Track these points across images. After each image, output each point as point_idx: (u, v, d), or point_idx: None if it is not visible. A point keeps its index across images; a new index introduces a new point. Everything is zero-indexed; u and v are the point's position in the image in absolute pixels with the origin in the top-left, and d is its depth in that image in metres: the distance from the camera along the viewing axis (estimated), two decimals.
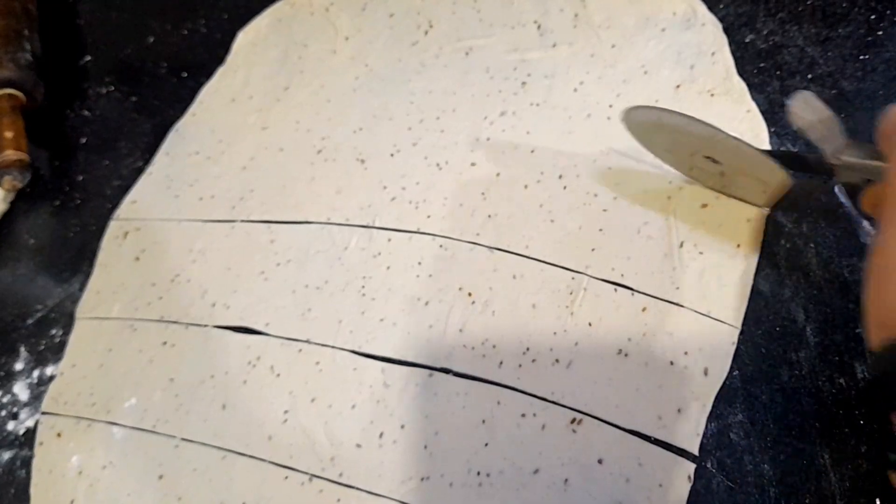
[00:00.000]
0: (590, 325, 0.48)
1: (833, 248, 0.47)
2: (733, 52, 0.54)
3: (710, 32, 0.55)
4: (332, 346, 0.51)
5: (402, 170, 0.56)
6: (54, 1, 0.72)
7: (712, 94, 0.53)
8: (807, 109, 0.41)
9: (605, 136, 0.53)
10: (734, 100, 0.52)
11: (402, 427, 0.48)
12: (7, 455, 0.52)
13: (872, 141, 0.39)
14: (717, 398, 0.45)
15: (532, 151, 0.54)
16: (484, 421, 0.47)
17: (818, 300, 0.46)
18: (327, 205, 0.56)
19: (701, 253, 0.48)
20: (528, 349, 0.48)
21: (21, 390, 0.55)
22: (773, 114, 0.51)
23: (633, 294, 0.48)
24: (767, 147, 0.50)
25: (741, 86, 0.53)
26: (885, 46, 0.52)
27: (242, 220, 0.57)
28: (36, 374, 0.55)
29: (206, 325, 0.54)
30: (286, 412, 0.49)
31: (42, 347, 0.56)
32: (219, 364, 0.52)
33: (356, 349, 0.50)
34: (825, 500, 0.41)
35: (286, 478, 0.48)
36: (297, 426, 0.49)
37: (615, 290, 0.48)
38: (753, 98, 0.52)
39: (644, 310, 0.47)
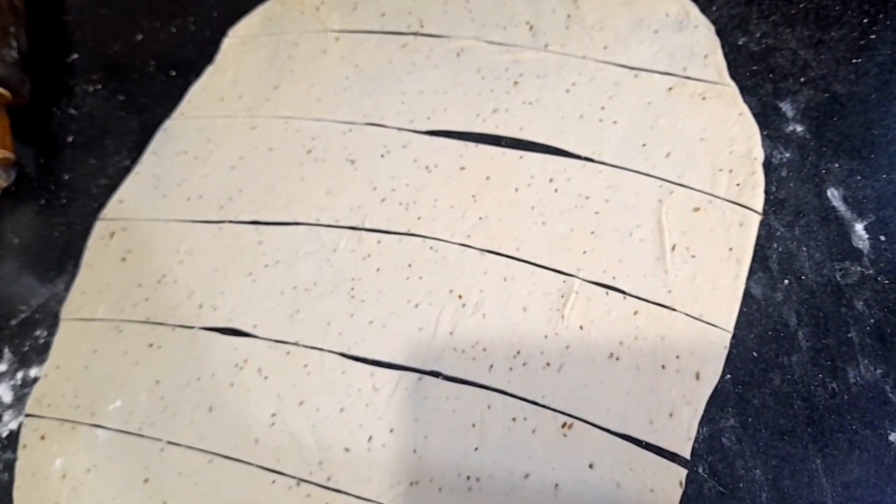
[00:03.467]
0: (581, 328, 0.47)
1: (826, 251, 0.47)
2: (726, 55, 0.54)
3: (703, 35, 0.55)
4: (321, 349, 0.50)
5: (392, 171, 0.55)
6: None
7: (704, 97, 0.53)
8: None
9: (596, 138, 0.53)
10: (726, 103, 0.52)
11: (391, 431, 0.47)
12: None
13: None
14: (708, 402, 0.44)
15: (521, 157, 0.53)
16: (474, 425, 0.46)
17: (810, 304, 0.46)
18: (317, 205, 0.55)
19: (693, 256, 0.48)
20: (518, 352, 0.47)
21: (4, 392, 0.54)
22: (766, 117, 0.51)
23: (624, 297, 0.48)
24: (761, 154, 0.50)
25: (733, 88, 0.53)
26: (877, 50, 0.52)
27: (230, 221, 0.56)
28: (20, 375, 0.54)
29: (192, 327, 0.53)
30: (274, 415, 0.49)
31: (26, 348, 0.55)
32: (205, 366, 0.51)
33: (345, 352, 0.50)
34: None
35: (273, 482, 0.47)
36: (284, 429, 0.48)
37: (607, 293, 0.48)
38: (746, 101, 0.52)
39: (636, 313, 0.47)
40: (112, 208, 0.59)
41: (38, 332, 0.55)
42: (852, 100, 0.51)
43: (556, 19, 0.58)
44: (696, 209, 0.49)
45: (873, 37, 0.52)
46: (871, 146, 0.49)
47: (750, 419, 0.44)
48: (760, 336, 0.46)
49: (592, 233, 0.50)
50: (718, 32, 0.54)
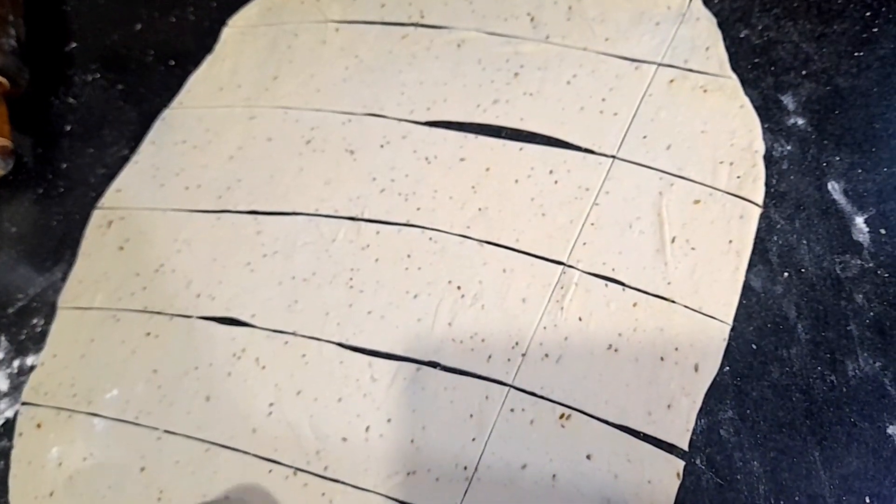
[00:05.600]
0: (580, 319, 0.47)
1: (826, 245, 0.47)
2: (728, 48, 0.54)
3: (705, 27, 0.54)
4: (319, 339, 0.50)
5: (391, 162, 0.55)
6: None
7: (705, 90, 0.52)
8: None
9: (597, 130, 0.53)
10: (728, 95, 0.52)
11: (389, 421, 0.47)
12: None
13: None
14: (707, 394, 0.44)
15: (521, 149, 0.53)
16: (472, 415, 0.46)
17: (810, 297, 0.46)
18: (315, 196, 0.55)
19: (693, 249, 0.48)
20: (517, 343, 0.47)
21: (1, 380, 0.54)
22: (767, 109, 0.51)
23: (624, 289, 0.48)
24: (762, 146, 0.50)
25: (735, 81, 0.52)
26: (879, 43, 0.51)
27: (229, 211, 0.56)
28: (16, 363, 0.54)
29: (190, 316, 0.53)
30: (271, 405, 0.49)
31: (23, 337, 0.55)
32: (203, 356, 0.51)
33: (343, 342, 0.50)
34: (815, 499, 0.41)
35: (270, 471, 0.47)
36: (282, 419, 0.48)
37: (606, 285, 0.48)
38: (747, 94, 0.52)
39: (635, 305, 0.47)
40: (110, 197, 0.59)
41: (35, 321, 0.55)
42: (854, 93, 0.50)
43: (557, 11, 0.58)
44: (697, 201, 0.49)
45: (875, 30, 0.52)
46: (873, 140, 0.49)
47: (748, 411, 0.44)
48: (760, 329, 0.46)
49: (592, 224, 0.50)
50: (720, 25, 0.54)
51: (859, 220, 0.47)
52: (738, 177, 0.49)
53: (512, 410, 0.46)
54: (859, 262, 0.46)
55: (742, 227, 0.48)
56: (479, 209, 0.52)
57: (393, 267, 0.51)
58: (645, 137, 0.52)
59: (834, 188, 0.48)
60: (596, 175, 0.51)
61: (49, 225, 0.59)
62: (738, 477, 0.42)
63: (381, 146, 0.56)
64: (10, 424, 0.52)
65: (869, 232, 0.47)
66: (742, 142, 0.50)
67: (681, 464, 0.43)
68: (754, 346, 0.45)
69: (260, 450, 0.48)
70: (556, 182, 0.52)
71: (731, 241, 0.48)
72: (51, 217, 0.60)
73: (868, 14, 0.52)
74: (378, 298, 0.51)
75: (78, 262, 0.57)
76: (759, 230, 0.48)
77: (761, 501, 0.42)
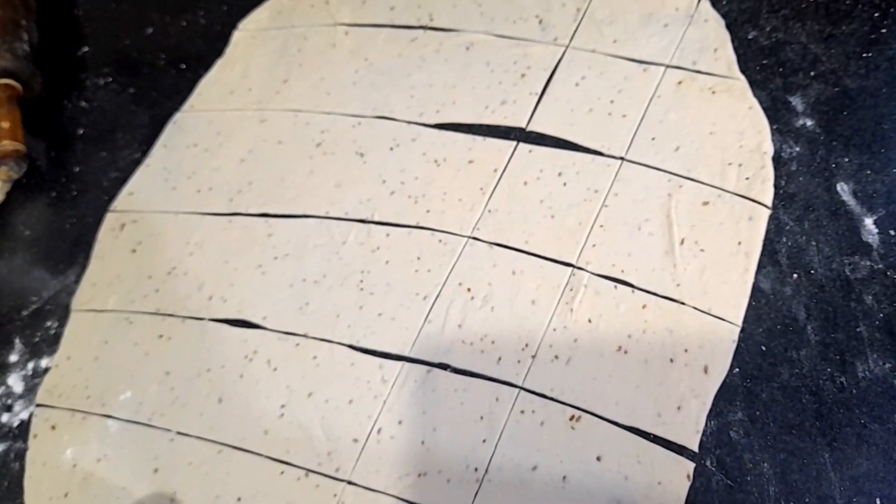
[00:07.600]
0: (589, 321, 0.47)
1: (835, 246, 0.47)
2: (736, 49, 0.54)
3: (713, 29, 0.55)
4: (330, 341, 0.50)
5: (401, 164, 0.55)
6: None
7: (714, 91, 0.53)
8: None
9: (606, 132, 0.53)
10: (736, 97, 0.52)
11: (400, 423, 0.47)
12: (1, 447, 0.52)
13: None
14: (717, 396, 0.44)
15: (530, 151, 0.54)
16: (482, 417, 0.46)
17: (819, 298, 0.46)
18: (326, 198, 0.55)
19: (702, 250, 0.48)
20: (527, 345, 0.48)
21: (15, 382, 0.54)
22: (776, 111, 0.51)
23: (633, 291, 0.48)
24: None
25: (743, 83, 0.52)
26: (888, 44, 0.51)
27: (240, 213, 0.56)
28: (31, 366, 0.55)
29: (202, 319, 0.53)
30: (283, 406, 0.49)
31: (37, 339, 0.55)
32: (215, 357, 0.52)
33: (354, 344, 0.50)
34: (825, 500, 0.41)
35: (282, 473, 0.47)
36: (293, 421, 0.49)
37: (615, 286, 0.48)
38: (756, 95, 0.52)
39: (644, 307, 0.47)
40: (122, 200, 0.59)
41: (49, 323, 0.56)
42: (862, 94, 0.50)
43: (565, 13, 0.58)
44: (706, 203, 0.49)
45: (884, 31, 0.52)
46: (882, 141, 0.49)
47: (758, 413, 0.44)
48: (769, 330, 0.46)
49: (601, 226, 0.50)
50: (728, 26, 0.54)
51: (868, 222, 0.47)
52: (747, 178, 0.49)
53: (522, 412, 0.46)
54: (868, 263, 0.46)
55: (751, 228, 0.48)
56: (489, 211, 0.52)
57: (403, 269, 0.52)
58: (653, 139, 0.52)
59: (843, 189, 0.48)
60: (605, 177, 0.52)
61: (62, 228, 0.60)
62: (748, 478, 0.42)
63: (391, 149, 0.56)
64: (24, 426, 0.52)
65: (878, 233, 0.47)
66: (751, 143, 0.50)
67: (691, 465, 0.43)
68: (764, 348, 0.45)
69: (272, 451, 0.48)
70: (564, 184, 0.52)
71: (740, 243, 0.48)
72: (64, 220, 0.60)
73: (876, 15, 0.52)
74: (388, 300, 0.51)
75: (91, 264, 0.57)
76: (767, 231, 0.48)
77: (771, 503, 0.42)
